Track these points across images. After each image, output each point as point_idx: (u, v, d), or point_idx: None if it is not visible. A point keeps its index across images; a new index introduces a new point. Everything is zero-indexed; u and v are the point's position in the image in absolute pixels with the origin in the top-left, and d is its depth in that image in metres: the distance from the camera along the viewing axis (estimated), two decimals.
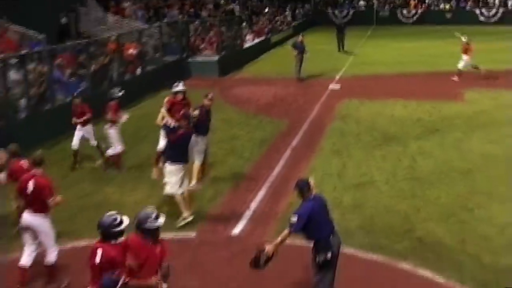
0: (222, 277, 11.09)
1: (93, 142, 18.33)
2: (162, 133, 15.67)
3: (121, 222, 8.33)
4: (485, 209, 14.68)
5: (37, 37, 26.76)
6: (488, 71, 30.51)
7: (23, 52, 22.63)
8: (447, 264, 11.90)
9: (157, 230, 8.28)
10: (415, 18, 61.45)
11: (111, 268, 8.04)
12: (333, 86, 30.46)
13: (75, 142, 17.99)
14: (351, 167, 18.02)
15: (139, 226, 8.21)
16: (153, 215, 8.29)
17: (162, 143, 15.65)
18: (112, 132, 17.44)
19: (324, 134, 21.87)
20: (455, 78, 30.37)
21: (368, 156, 18.96)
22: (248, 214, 14.64)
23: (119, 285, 7.79)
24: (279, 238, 10.00)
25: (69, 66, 24.40)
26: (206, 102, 16.40)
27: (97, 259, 8.10)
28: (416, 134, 21.32)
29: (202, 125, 15.95)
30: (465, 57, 30.37)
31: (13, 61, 21.17)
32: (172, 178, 13.78)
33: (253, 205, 15.17)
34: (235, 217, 14.37)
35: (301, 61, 31.65)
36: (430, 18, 59.82)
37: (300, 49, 31.75)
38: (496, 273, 11.56)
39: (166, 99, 17.32)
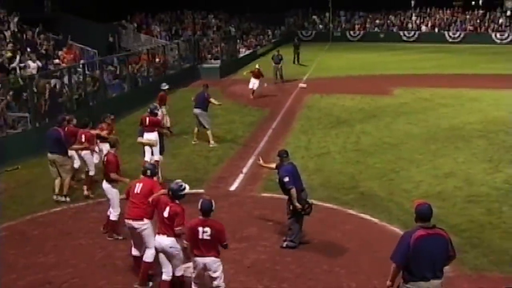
0: (222, 221, 11.09)
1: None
2: None
3: (184, 188, 8.23)
4: (407, 171, 14.79)
5: (92, 51, 26.69)
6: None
7: (82, 62, 22.54)
8: (380, 210, 12.01)
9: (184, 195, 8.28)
10: (358, 37, 61.16)
11: (175, 218, 7.98)
12: (302, 85, 30.33)
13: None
14: (314, 142, 18.06)
15: (176, 193, 8.15)
16: (182, 186, 8.26)
17: None
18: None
19: (295, 118, 21.88)
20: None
21: (326, 134, 19.00)
22: (241, 175, 14.68)
23: (213, 207, 7.74)
24: (293, 196, 9.86)
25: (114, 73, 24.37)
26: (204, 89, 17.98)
27: (166, 213, 8.06)
28: (359, 118, 21.34)
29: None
30: (255, 80, 26.12)
31: (76, 68, 21.09)
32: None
33: (245, 169, 15.19)
34: (232, 178, 14.41)
35: (277, 69, 31.31)
36: (369, 37, 59.59)
37: (277, 60, 31.40)
38: (413, 215, 11.57)
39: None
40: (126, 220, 9.03)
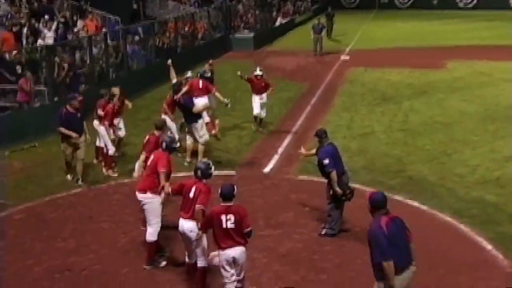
0: (255, 205, 11.18)
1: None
2: None
3: (212, 167, 8.37)
4: (460, 153, 14.60)
5: (114, 18, 26.80)
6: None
7: (104, 31, 22.72)
8: (430, 196, 11.89)
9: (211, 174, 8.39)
10: (408, 4, 60.10)
11: (202, 195, 8.08)
12: (344, 57, 30.19)
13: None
14: (357, 120, 17.97)
15: (204, 172, 8.26)
16: (211, 165, 8.40)
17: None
18: None
19: (336, 94, 21.81)
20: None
21: (370, 112, 18.88)
22: (276, 156, 14.69)
23: (235, 191, 7.78)
24: (333, 180, 9.87)
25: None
26: (206, 66, 16.92)
27: (191, 194, 8.15)
28: (408, 95, 21.14)
29: None
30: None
31: (97, 38, 21.27)
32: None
33: (280, 149, 15.21)
34: (267, 159, 14.44)
35: (317, 40, 31.13)
36: (420, 4, 58.46)
37: (318, 30, 31.20)
38: (467, 203, 11.53)
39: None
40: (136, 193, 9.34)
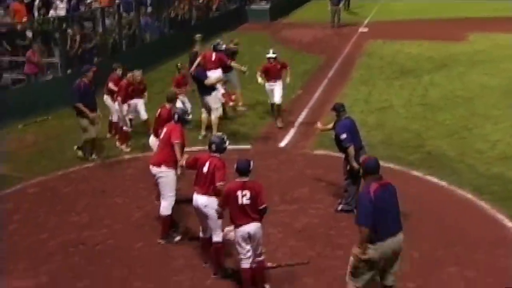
0: (270, 180, 11.19)
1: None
2: None
3: (226, 141, 8.39)
4: (481, 128, 14.49)
5: None
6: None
7: (117, 1, 22.63)
8: (449, 172, 11.83)
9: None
10: None
11: (215, 173, 8.07)
12: (362, 29, 29.92)
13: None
14: (375, 94, 17.87)
15: (219, 146, 8.27)
16: (225, 139, 8.42)
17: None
18: None
19: (354, 67, 21.66)
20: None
21: (389, 86, 18.76)
22: (292, 130, 14.67)
23: (251, 167, 7.77)
24: (350, 155, 9.84)
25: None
26: (231, 46, 16.23)
27: (205, 168, 8.16)
28: (428, 68, 20.94)
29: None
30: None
31: (110, 9, 21.22)
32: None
33: (296, 123, 15.18)
34: (282, 133, 14.41)
35: (335, 11, 30.81)
36: None
37: (336, 1, 30.83)
38: (488, 179, 11.46)
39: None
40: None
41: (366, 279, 7.05)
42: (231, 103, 14.83)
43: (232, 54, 15.92)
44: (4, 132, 14.73)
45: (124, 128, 13.42)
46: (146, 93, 14.09)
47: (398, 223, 7.03)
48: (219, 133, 8.76)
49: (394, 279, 7.26)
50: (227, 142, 8.43)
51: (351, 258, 7.05)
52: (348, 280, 7.15)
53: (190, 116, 9.65)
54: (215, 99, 13.60)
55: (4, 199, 11.07)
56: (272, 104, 14.96)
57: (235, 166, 7.71)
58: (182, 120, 9.39)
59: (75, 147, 12.92)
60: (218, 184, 7.97)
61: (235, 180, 7.71)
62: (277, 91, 14.57)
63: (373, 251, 6.84)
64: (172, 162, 9.09)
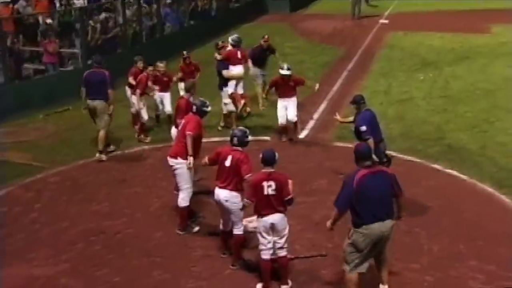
0: (289, 172, 11.15)
1: None
2: None
3: (248, 135, 8.37)
4: (503, 121, 14.37)
5: None
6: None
7: None
8: (470, 165, 11.75)
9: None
10: None
11: (240, 167, 8.06)
12: (383, 21, 29.77)
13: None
14: (395, 86, 17.79)
15: (241, 139, 8.26)
16: (247, 133, 8.43)
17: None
18: None
19: (374, 59, 21.59)
20: None
21: (409, 78, 18.67)
22: (311, 122, 14.66)
23: (277, 157, 7.77)
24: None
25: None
26: (262, 42, 15.71)
27: (228, 162, 8.14)
28: (449, 60, 20.82)
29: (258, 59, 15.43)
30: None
31: (131, 0, 21.29)
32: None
33: (316, 115, 15.16)
34: (301, 125, 14.34)
35: (356, 2, 30.64)
36: None
37: None
38: (509, 173, 11.36)
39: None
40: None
41: (357, 264, 7.22)
42: (240, 106, 14.08)
43: (272, 50, 15.96)
44: (26, 121, 14.91)
45: (143, 120, 13.47)
46: (171, 84, 14.12)
47: (387, 209, 7.15)
48: (242, 127, 8.72)
49: (384, 262, 7.48)
50: (249, 137, 8.41)
51: (343, 246, 7.35)
52: (344, 268, 7.37)
53: (209, 108, 9.63)
54: (225, 95, 13.68)
55: (26, 188, 11.23)
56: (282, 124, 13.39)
57: (260, 156, 7.71)
58: (200, 111, 9.38)
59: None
60: (246, 176, 7.96)
61: (261, 171, 7.72)
62: (290, 108, 13.12)
63: (357, 235, 7.07)
64: (188, 154, 9.10)
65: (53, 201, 10.66)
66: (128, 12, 20.46)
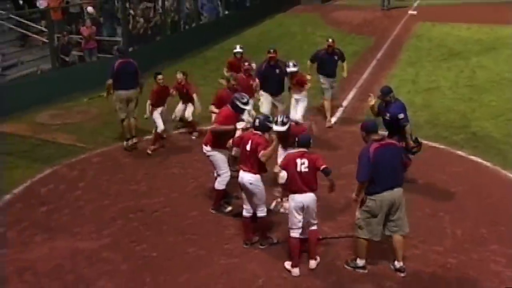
0: (321, 154, 11.12)
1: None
2: None
3: (271, 120, 8.40)
4: None
5: None
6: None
7: None
8: (494, 153, 11.60)
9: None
10: None
11: (257, 149, 8.05)
12: (411, 12, 29.34)
13: None
14: (422, 75, 17.59)
15: (263, 123, 8.27)
16: (270, 118, 8.51)
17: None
18: None
19: (403, 49, 21.34)
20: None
21: (436, 67, 18.44)
22: (341, 109, 14.59)
23: (311, 140, 7.91)
24: (408, 134, 9.65)
25: None
26: (326, 47, 13.52)
27: (248, 147, 8.16)
28: (476, 50, 20.45)
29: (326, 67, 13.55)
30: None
31: None
32: None
33: (345, 102, 15.08)
34: (331, 111, 14.23)
35: None
36: None
37: None
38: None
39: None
40: None
41: (370, 230, 7.54)
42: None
43: (340, 56, 13.73)
44: (72, 105, 15.20)
45: (158, 130, 12.16)
46: (195, 96, 12.34)
47: (397, 179, 7.49)
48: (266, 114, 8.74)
49: (397, 228, 7.63)
50: (272, 123, 8.37)
51: (356, 213, 7.69)
52: (356, 233, 7.71)
53: (248, 107, 9.45)
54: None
55: (71, 167, 11.45)
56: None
57: (296, 139, 7.85)
58: (235, 106, 9.11)
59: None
60: (261, 154, 7.93)
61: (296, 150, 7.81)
62: (300, 107, 12.48)
63: (371, 202, 7.44)
64: (215, 144, 9.11)
65: (96, 180, 10.85)
66: (167, 2, 20.53)
